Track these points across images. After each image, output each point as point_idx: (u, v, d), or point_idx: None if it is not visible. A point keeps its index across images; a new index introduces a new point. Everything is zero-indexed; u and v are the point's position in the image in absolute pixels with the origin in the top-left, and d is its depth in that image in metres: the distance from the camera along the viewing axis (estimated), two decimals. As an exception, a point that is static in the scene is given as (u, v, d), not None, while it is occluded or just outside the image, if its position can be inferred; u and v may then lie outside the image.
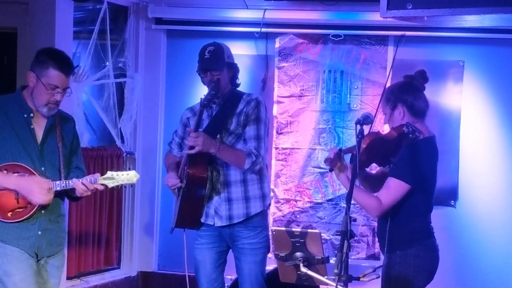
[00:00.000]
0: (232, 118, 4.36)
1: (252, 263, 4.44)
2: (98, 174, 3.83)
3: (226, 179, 4.39)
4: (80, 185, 3.78)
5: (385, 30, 5.79)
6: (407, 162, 3.77)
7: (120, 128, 6.09)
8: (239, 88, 4.55)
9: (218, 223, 4.41)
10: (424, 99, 3.93)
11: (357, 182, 3.83)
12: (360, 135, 3.47)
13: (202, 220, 4.44)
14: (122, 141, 6.13)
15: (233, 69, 4.45)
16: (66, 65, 3.81)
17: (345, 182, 3.79)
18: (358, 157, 3.42)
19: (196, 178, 4.30)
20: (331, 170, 3.74)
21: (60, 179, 3.82)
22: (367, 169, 4.19)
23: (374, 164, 4.05)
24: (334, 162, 3.71)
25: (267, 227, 4.52)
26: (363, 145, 3.60)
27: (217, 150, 4.23)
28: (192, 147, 4.19)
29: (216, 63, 4.33)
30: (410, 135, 3.65)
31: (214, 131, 4.34)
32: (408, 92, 3.89)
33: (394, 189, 3.78)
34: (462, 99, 5.84)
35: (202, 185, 4.34)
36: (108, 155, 5.91)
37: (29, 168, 3.76)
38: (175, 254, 6.07)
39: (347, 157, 3.83)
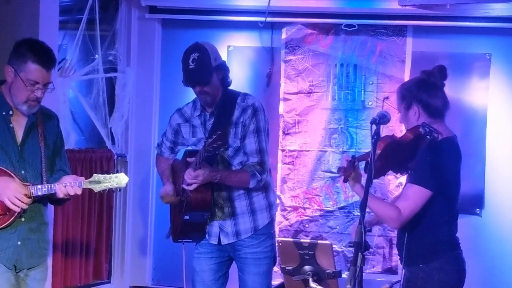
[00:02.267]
0: (229, 128, 4.35)
1: (256, 274, 4.44)
2: (82, 178, 3.80)
3: (229, 194, 4.42)
4: (63, 190, 3.74)
5: (403, 19, 5.77)
6: (426, 166, 3.75)
7: (110, 128, 6.08)
8: (232, 86, 4.51)
9: (225, 240, 4.43)
10: (442, 97, 3.91)
11: (372, 190, 3.82)
12: (375, 136, 3.45)
13: (212, 242, 4.47)
14: (113, 142, 6.12)
15: (223, 71, 4.41)
16: (47, 58, 3.79)
17: (360, 192, 3.78)
18: (373, 161, 3.40)
19: (200, 203, 4.34)
20: (345, 180, 3.72)
21: (42, 183, 3.80)
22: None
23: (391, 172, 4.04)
24: (348, 171, 3.69)
25: (273, 236, 4.52)
26: (378, 151, 3.58)
27: (219, 180, 4.28)
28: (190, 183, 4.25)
29: (203, 75, 4.29)
30: (428, 136, 3.64)
31: None
32: (424, 90, 3.87)
33: (413, 196, 3.76)
34: (489, 96, 5.81)
35: (207, 208, 4.38)
36: (97, 158, 5.89)
37: (8, 171, 3.74)
38: (171, 267, 6.06)
39: (361, 165, 3.82)
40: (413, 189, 3.77)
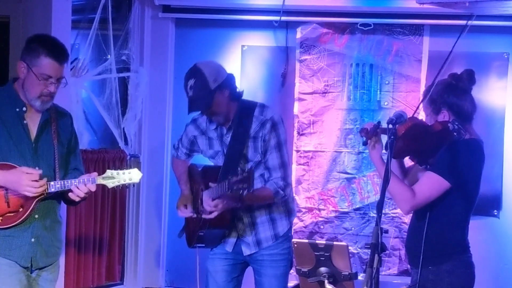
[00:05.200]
0: (247, 142, 4.32)
1: (272, 277, 4.43)
2: (95, 174, 3.82)
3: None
4: (77, 191, 3.77)
5: (420, 18, 5.77)
6: (448, 159, 3.74)
7: (123, 128, 6.09)
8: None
9: (247, 251, 4.42)
10: (471, 101, 3.89)
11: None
12: (392, 137, 3.44)
13: (226, 249, 4.45)
14: (126, 143, 6.13)
15: (227, 87, 4.30)
16: (59, 52, 3.81)
17: (376, 161, 3.77)
18: (390, 160, 3.38)
19: (218, 223, 4.32)
20: (365, 143, 3.71)
21: (55, 180, 3.81)
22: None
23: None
24: (371, 133, 3.68)
25: (290, 238, 4.50)
26: (403, 130, 3.57)
27: (241, 205, 4.26)
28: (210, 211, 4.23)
29: (202, 102, 4.23)
30: (455, 133, 3.62)
31: (235, 160, 4.32)
32: (454, 95, 3.84)
33: (431, 183, 3.75)
34: (507, 96, 5.80)
35: (225, 227, 4.36)
36: (110, 158, 5.90)
37: (17, 167, 3.75)
38: (184, 269, 6.06)
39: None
40: (431, 176, 3.75)
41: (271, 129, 4.30)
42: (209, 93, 4.22)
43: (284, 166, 4.34)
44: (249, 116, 4.34)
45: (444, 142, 3.71)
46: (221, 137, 4.40)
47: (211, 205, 4.17)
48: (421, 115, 4.12)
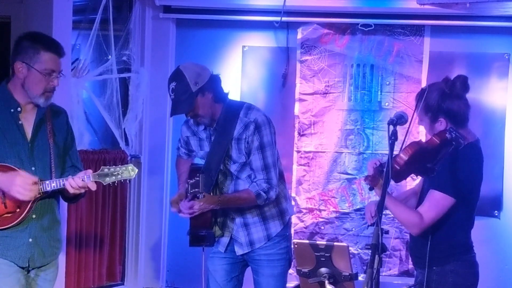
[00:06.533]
0: (231, 143, 4.33)
1: (270, 276, 4.44)
2: (90, 171, 3.80)
3: None
4: (72, 183, 3.73)
5: (421, 19, 5.77)
6: (449, 173, 3.73)
7: (124, 129, 6.09)
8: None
9: (239, 251, 4.43)
10: (465, 103, 3.88)
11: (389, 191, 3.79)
12: (393, 137, 3.44)
13: (219, 249, 4.47)
14: (127, 143, 6.13)
15: (210, 90, 4.29)
16: (56, 46, 3.84)
17: (387, 201, 3.75)
18: (391, 161, 3.39)
19: (200, 224, 4.36)
20: (371, 189, 3.66)
21: (51, 179, 3.79)
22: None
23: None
24: (376, 180, 3.63)
25: (288, 238, 4.51)
26: (405, 157, 3.56)
27: (219, 206, 4.30)
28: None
29: (182, 105, 4.26)
30: (454, 143, 3.61)
31: (216, 160, 4.35)
32: (449, 102, 3.82)
33: (437, 202, 3.74)
34: (508, 97, 5.79)
35: (207, 227, 4.39)
36: (111, 159, 5.90)
37: (15, 168, 3.74)
38: (185, 269, 6.07)
39: None
40: (436, 195, 3.74)
41: (254, 131, 4.30)
42: (190, 96, 4.23)
43: (267, 168, 4.33)
44: (234, 118, 4.34)
45: (443, 152, 3.69)
46: (210, 138, 4.42)
47: (186, 206, 4.22)
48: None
